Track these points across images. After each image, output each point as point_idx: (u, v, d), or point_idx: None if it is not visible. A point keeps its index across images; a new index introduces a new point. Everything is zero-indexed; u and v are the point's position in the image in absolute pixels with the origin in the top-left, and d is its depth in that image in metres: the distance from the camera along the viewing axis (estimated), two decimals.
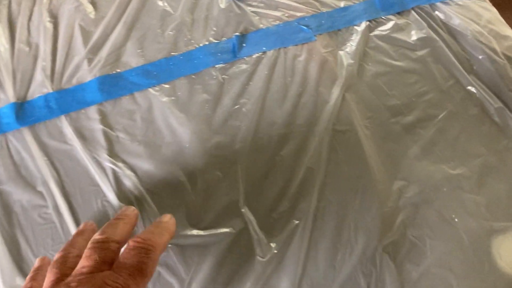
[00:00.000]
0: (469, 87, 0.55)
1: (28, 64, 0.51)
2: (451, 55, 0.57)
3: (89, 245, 0.36)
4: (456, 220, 0.47)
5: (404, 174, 0.49)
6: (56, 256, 0.36)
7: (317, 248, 0.44)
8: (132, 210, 0.41)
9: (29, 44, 0.53)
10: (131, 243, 0.36)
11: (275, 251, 0.44)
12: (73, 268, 0.35)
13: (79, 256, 0.36)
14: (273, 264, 0.43)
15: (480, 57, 0.57)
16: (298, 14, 0.59)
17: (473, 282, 0.44)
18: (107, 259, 0.35)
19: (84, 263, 0.34)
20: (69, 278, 0.33)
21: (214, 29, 0.56)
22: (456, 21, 0.60)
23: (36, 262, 0.38)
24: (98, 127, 0.48)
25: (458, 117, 0.53)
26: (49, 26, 0.54)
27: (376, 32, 0.58)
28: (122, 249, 0.37)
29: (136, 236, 0.37)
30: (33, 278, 0.36)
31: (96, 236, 0.36)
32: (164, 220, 0.40)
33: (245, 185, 0.46)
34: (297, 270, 0.43)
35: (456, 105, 0.54)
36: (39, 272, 0.37)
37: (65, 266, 0.35)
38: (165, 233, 0.39)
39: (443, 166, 0.50)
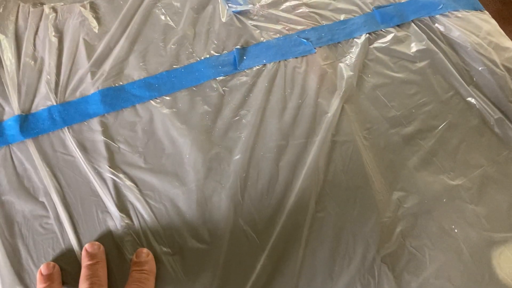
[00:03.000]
0: (469, 98, 0.55)
1: (33, 77, 0.53)
2: (451, 67, 0.57)
3: None
4: (456, 230, 0.47)
5: (403, 185, 0.49)
6: None
7: (315, 258, 0.44)
8: (99, 247, 0.43)
9: (34, 58, 0.54)
10: None
11: (271, 261, 0.44)
12: None
13: None
14: (269, 274, 0.43)
15: (480, 68, 0.57)
16: (299, 27, 0.59)
17: None
18: None
19: None
20: None
21: (216, 42, 0.57)
22: (456, 33, 0.60)
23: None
24: (100, 138, 0.49)
25: (458, 128, 0.53)
26: (54, 40, 0.55)
27: (375, 45, 0.59)
28: None
29: None
30: None
31: (84, 286, 0.39)
32: (144, 260, 0.42)
33: (244, 196, 0.47)
34: (294, 281, 0.43)
35: (456, 116, 0.54)
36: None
37: None
38: (151, 277, 0.42)
39: (443, 177, 0.50)
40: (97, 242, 0.43)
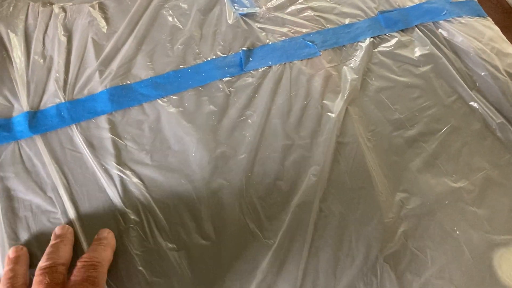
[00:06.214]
0: (472, 103, 0.56)
1: (42, 75, 0.53)
2: (454, 72, 0.58)
3: (37, 272, 0.39)
4: (457, 232, 0.47)
5: (406, 186, 0.49)
6: None
7: (318, 257, 0.45)
8: (67, 229, 0.44)
9: (43, 56, 0.55)
10: (78, 263, 0.40)
11: (276, 259, 0.44)
12: None
13: (24, 284, 0.39)
14: (273, 272, 0.44)
15: (483, 73, 0.58)
16: (304, 30, 0.60)
17: None
18: (57, 280, 0.38)
19: None
20: None
21: (222, 43, 0.58)
22: (459, 39, 0.61)
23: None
24: (107, 136, 0.49)
25: (460, 132, 0.54)
26: (63, 39, 0.56)
27: (380, 49, 0.60)
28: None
29: (82, 256, 0.40)
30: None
31: (42, 263, 0.39)
32: (103, 236, 0.43)
33: (249, 195, 0.47)
34: (297, 279, 0.43)
35: (458, 120, 0.55)
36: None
37: None
38: (107, 248, 0.42)
39: (445, 179, 0.50)
40: (67, 225, 0.44)
